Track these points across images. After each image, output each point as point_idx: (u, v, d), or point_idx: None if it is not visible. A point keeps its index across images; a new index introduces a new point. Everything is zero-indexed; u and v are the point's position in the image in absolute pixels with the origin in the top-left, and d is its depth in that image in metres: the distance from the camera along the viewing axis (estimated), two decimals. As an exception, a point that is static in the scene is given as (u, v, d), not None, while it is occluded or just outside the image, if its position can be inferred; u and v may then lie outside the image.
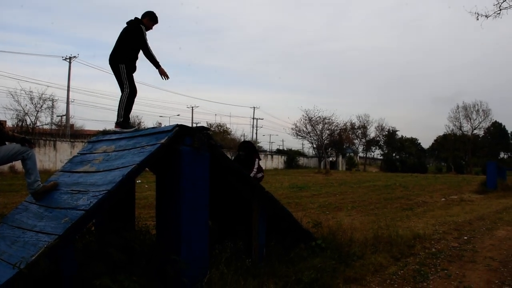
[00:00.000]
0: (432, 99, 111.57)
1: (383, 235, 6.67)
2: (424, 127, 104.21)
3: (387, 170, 55.21)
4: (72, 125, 41.18)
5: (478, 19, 10.14)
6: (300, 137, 51.96)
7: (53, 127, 39.95)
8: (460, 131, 61.80)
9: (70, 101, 37.48)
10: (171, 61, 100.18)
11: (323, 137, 50.47)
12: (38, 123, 36.00)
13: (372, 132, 64.30)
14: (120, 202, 4.54)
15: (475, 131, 61.63)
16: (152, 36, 5.42)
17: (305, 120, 48.79)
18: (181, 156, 3.97)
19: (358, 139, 63.98)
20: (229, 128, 57.03)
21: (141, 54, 5.29)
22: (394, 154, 73.34)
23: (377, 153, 76.15)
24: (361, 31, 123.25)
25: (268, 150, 63.74)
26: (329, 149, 57.80)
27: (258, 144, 58.67)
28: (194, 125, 10.29)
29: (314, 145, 54.88)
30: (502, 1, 9.77)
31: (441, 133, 67.41)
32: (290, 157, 56.04)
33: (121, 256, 3.68)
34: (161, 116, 64.57)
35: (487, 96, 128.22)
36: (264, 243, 5.03)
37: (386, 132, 67.82)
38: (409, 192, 17.81)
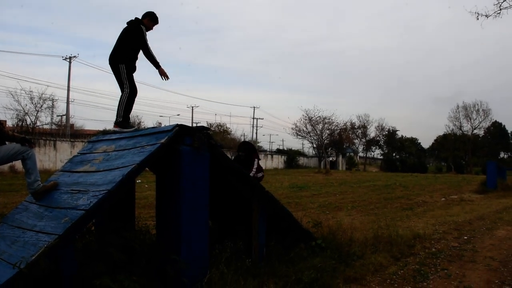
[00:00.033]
0: (432, 99, 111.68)
1: (383, 235, 6.67)
2: (424, 127, 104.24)
3: (387, 170, 55.25)
4: (72, 125, 41.19)
5: (478, 19, 10.13)
6: (300, 137, 52.11)
7: (53, 127, 39.96)
8: (460, 131, 61.86)
9: (70, 101, 37.54)
10: (171, 61, 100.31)
11: (323, 137, 50.52)
12: (38, 123, 36.05)
13: (372, 132, 64.50)
14: (120, 202, 4.54)
15: (475, 131, 61.79)
16: (152, 36, 5.43)
17: (305, 120, 48.93)
18: (181, 156, 3.97)
19: (358, 139, 64.07)
20: (229, 128, 57.19)
21: (141, 54, 5.28)
22: (394, 154, 73.33)
23: (377, 153, 76.27)
24: (361, 31, 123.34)
25: (268, 150, 63.77)
26: (329, 149, 57.84)
27: (258, 144, 58.71)
28: (194, 125, 10.29)
29: (314, 145, 54.98)
30: (502, 1, 9.77)
31: (441, 133, 67.58)
32: (290, 157, 56.04)
33: (121, 256, 3.68)
34: (161, 116, 64.89)
35: (487, 96, 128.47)
36: (264, 243, 5.03)
37: (386, 132, 67.88)
38: (409, 192, 17.80)
